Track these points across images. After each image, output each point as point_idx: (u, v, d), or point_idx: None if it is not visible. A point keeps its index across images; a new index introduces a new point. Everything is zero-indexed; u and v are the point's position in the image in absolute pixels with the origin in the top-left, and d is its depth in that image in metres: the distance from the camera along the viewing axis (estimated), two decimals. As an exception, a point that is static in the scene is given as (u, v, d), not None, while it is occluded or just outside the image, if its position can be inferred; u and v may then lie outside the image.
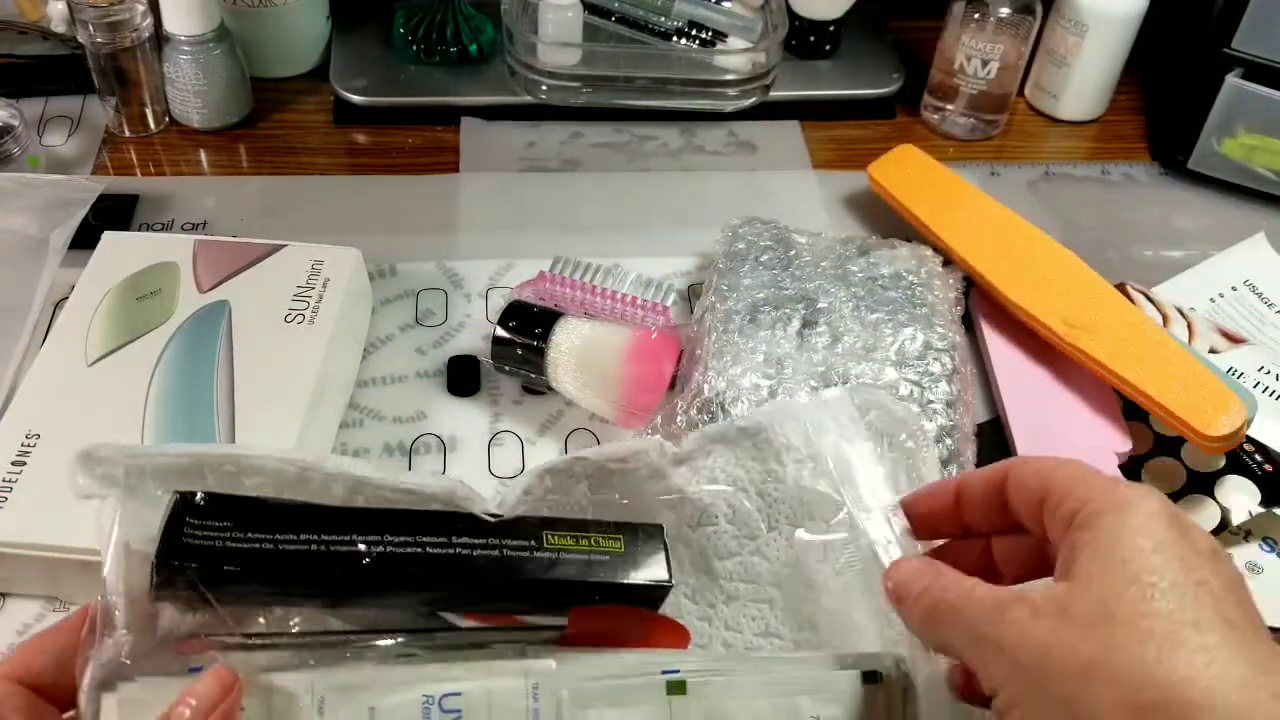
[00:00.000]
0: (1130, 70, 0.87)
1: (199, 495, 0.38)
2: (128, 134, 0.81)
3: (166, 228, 0.75)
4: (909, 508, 0.44)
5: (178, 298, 0.63)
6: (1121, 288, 0.70)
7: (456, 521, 0.40)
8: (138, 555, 0.36)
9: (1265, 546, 0.60)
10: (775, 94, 0.84)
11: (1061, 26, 0.84)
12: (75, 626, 0.36)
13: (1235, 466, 0.62)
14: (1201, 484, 0.61)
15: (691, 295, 0.72)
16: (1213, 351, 0.67)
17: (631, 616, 0.41)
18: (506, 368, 0.65)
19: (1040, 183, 0.84)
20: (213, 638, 0.37)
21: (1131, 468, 0.63)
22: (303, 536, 0.38)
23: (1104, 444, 0.63)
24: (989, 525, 0.42)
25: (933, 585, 0.38)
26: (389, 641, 0.39)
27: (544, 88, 0.82)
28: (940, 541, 0.44)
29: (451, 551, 0.39)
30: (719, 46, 0.83)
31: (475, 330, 0.70)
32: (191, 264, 0.65)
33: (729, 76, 0.82)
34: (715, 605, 0.46)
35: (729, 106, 0.83)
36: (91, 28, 0.76)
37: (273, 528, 0.38)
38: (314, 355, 0.61)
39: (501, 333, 0.64)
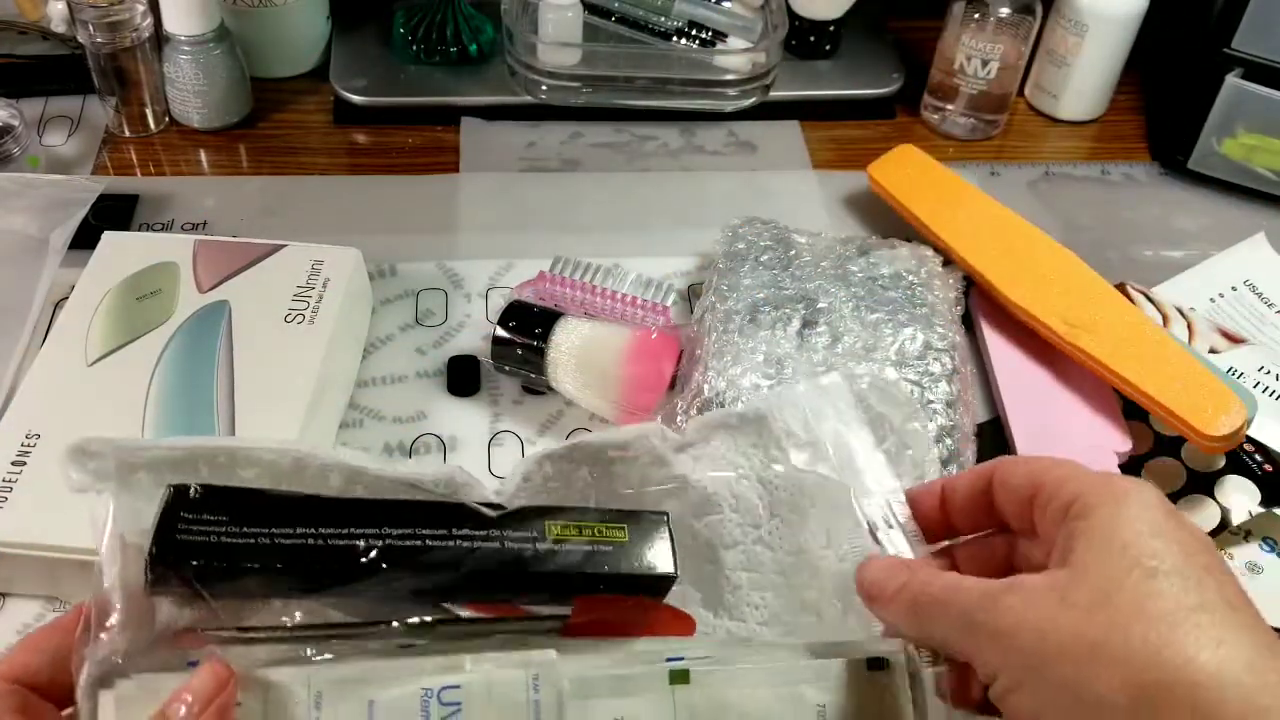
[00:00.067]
0: (1130, 70, 0.87)
1: (194, 488, 0.37)
2: (128, 134, 0.81)
3: (166, 228, 0.75)
4: None
5: (178, 298, 0.63)
6: (1121, 288, 0.70)
7: (457, 513, 0.40)
8: (133, 549, 0.36)
9: (1265, 546, 0.60)
10: (775, 94, 0.84)
11: (1061, 26, 0.84)
12: (71, 624, 0.36)
13: (1235, 466, 0.62)
14: (1201, 484, 0.61)
15: (691, 295, 0.72)
16: (1213, 351, 0.67)
17: (636, 606, 0.41)
18: (506, 368, 0.65)
19: (1040, 183, 0.84)
20: (210, 632, 0.37)
21: (1132, 468, 0.63)
22: (299, 530, 0.37)
23: (1104, 444, 0.63)
24: (973, 525, 0.42)
25: (911, 581, 0.38)
26: (389, 634, 0.38)
27: (544, 88, 0.82)
28: (943, 544, 0.44)
29: (452, 544, 0.39)
30: (719, 46, 0.83)
31: (475, 330, 0.70)
32: (191, 264, 0.65)
33: (729, 76, 0.82)
34: (720, 594, 0.45)
35: (729, 106, 0.83)
36: (91, 28, 0.76)
37: (269, 521, 0.37)
38: (314, 355, 0.61)
39: (501, 333, 0.64)
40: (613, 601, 0.40)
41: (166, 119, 0.82)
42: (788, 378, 0.61)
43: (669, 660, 0.39)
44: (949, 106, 0.85)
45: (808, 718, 0.39)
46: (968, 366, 0.66)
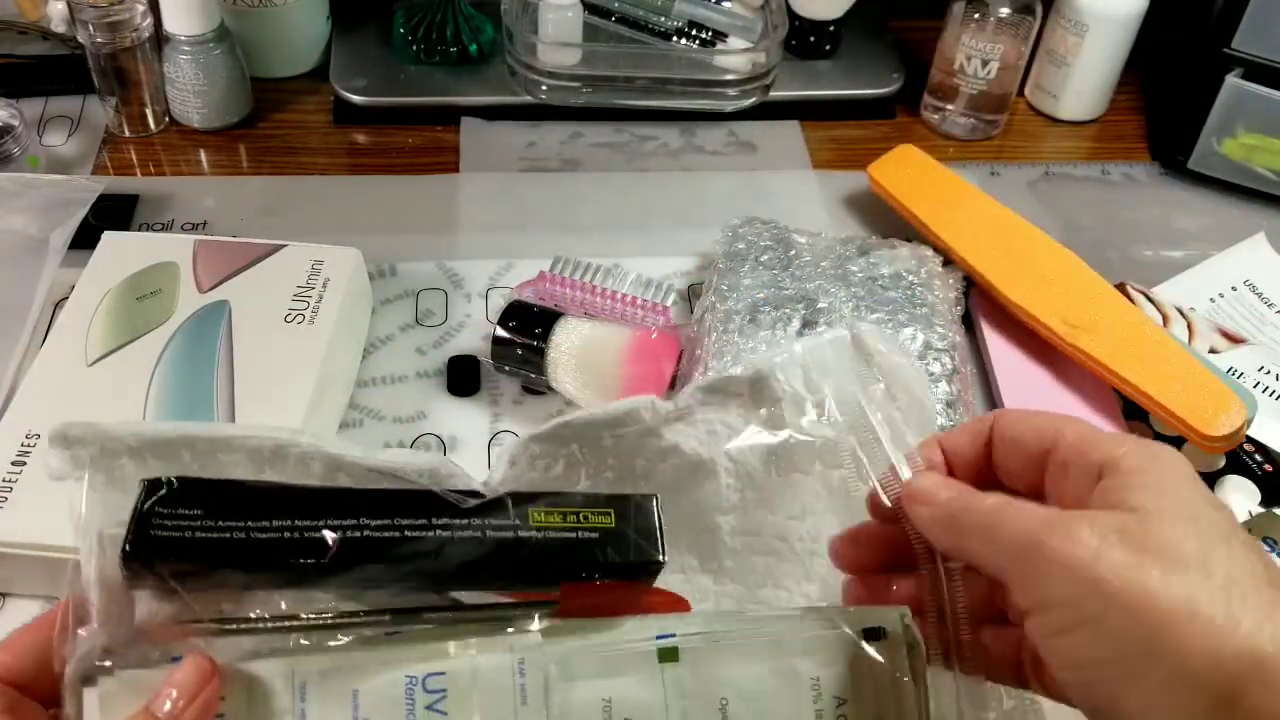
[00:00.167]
0: (1130, 70, 0.87)
1: (169, 481, 0.36)
2: (128, 134, 0.81)
3: (166, 228, 0.75)
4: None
5: (178, 298, 0.63)
6: (1121, 288, 0.70)
7: (437, 502, 0.39)
8: (110, 543, 0.35)
9: (1266, 546, 0.60)
10: (775, 94, 0.84)
11: (1061, 26, 0.84)
12: (55, 621, 0.36)
13: (1235, 466, 0.62)
14: (1201, 484, 0.62)
15: (691, 295, 0.72)
16: (1213, 351, 0.67)
17: (625, 589, 0.40)
18: (506, 368, 0.65)
19: (1040, 183, 0.84)
20: (192, 624, 0.36)
21: (1131, 468, 0.63)
22: (275, 523, 0.36)
23: (1104, 444, 0.63)
24: (973, 483, 0.40)
25: (962, 493, 0.37)
26: (372, 623, 0.37)
27: (544, 88, 0.82)
28: None
29: (432, 534, 0.38)
30: (719, 46, 0.83)
31: (475, 330, 0.70)
32: (191, 264, 0.65)
33: (729, 76, 0.82)
34: (720, 559, 0.44)
35: (729, 106, 0.83)
36: (91, 28, 0.76)
37: (245, 514, 0.36)
38: (314, 355, 0.61)
39: (501, 333, 0.64)
40: (600, 587, 0.39)
41: (166, 119, 0.82)
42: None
43: (659, 638, 0.38)
44: (949, 106, 0.85)
45: (801, 691, 0.38)
46: (968, 366, 0.66)
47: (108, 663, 0.34)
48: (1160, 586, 0.31)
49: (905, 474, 0.40)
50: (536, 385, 0.65)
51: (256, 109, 0.84)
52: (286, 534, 0.37)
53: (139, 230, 0.74)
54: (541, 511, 0.39)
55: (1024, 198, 0.82)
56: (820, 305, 0.65)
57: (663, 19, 0.84)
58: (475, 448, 0.63)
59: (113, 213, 0.75)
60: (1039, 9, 0.81)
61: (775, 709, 0.38)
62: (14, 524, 0.53)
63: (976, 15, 0.80)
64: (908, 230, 0.74)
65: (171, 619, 0.36)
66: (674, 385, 0.64)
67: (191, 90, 0.80)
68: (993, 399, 0.67)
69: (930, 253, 0.71)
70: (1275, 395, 0.65)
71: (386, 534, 0.37)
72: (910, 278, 0.68)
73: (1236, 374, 0.66)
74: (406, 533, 0.38)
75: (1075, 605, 0.32)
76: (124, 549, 0.35)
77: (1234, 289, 0.75)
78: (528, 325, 0.64)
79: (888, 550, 0.41)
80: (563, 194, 0.80)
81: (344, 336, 0.64)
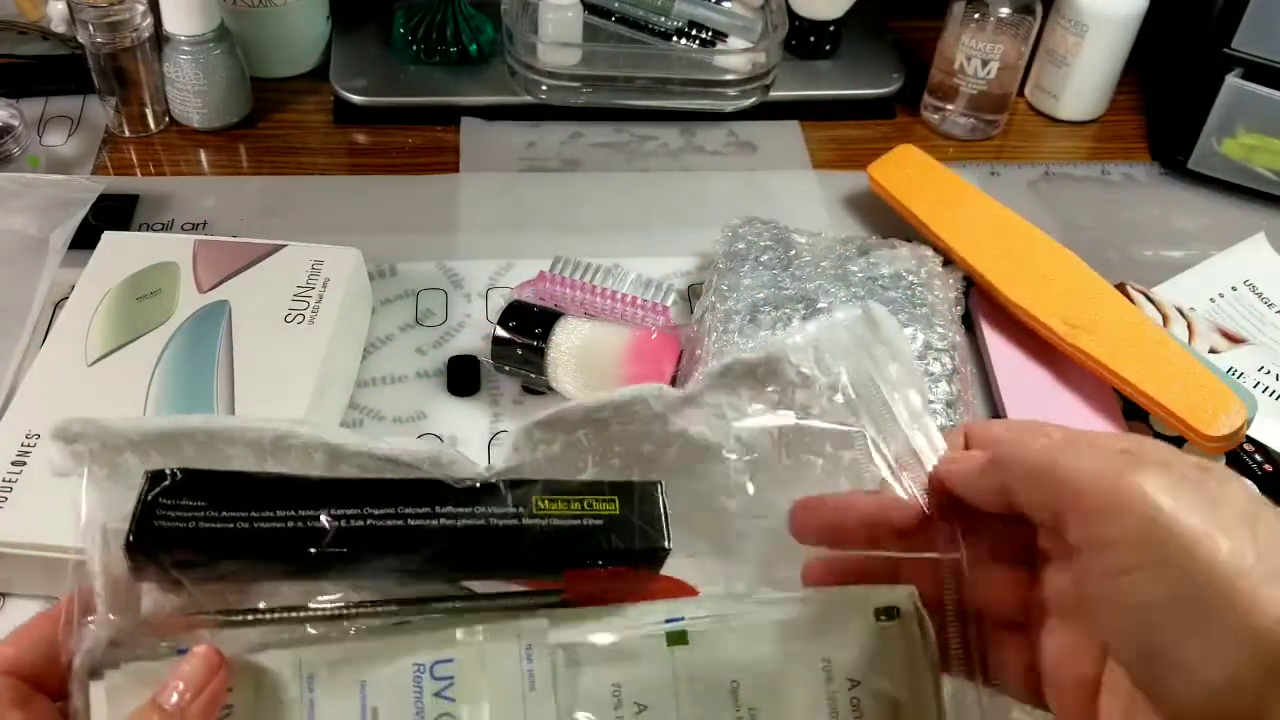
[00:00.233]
0: (1130, 70, 0.87)
1: (172, 472, 0.36)
2: (128, 134, 0.81)
3: (166, 228, 0.75)
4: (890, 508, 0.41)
5: (178, 298, 0.63)
6: (1121, 288, 0.70)
7: (440, 490, 0.39)
8: (115, 536, 0.35)
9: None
10: (775, 94, 0.84)
11: (1061, 26, 0.84)
12: (61, 615, 0.36)
13: (1235, 466, 0.62)
14: (1201, 484, 0.61)
15: (691, 295, 0.72)
16: (1213, 351, 0.67)
17: (631, 576, 0.39)
18: (506, 368, 0.65)
19: (1040, 183, 0.84)
20: (198, 616, 0.36)
21: (1131, 468, 0.63)
22: (280, 513, 0.36)
23: (1104, 444, 0.63)
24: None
25: (1023, 431, 0.36)
26: (379, 613, 0.37)
27: (544, 88, 0.82)
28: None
29: (435, 523, 0.37)
30: (719, 46, 0.83)
31: (475, 330, 0.70)
32: (191, 264, 0.65)
33: (729, 76, 0.82)
34: (729, 543, 0.44)
35: (729, 106, 0.83)
36: (91, 28, 0.76)
37: (249, 504, 0.36)
38: (314, 355, 0.61)
39: (501, 333, 0.64)
40: (605, 574, 0.39)
41: (166, 119, 0.82)
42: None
43: (668, 621, 0.38)
44: (949, 106, 0.85)
45: (813, 673, 0.38)
46: (968, 366, 0.66)
47: (114, 656, 0.34)
48: (1231, 540, 0.30)
49: (925, 449, 0.39)
50: (536, 385, 0.65)
51: (256, 109, 0.84)
52: (290, 523, 0.36)
53: (139, 230, 0.74)
54: (546, 499, 0.39)
55: (1024, 198, 0.82)
56: (820, 305, 0.65)
57: (663, 19, 0.84)
58: (475, 448, 0.63)
59: (113, 213, 0.75)
60: (1039, 9, 0.81)
61: (787, 691, 0.38)
62: (14, 524, 0.53)
63: (976, 15, 0.80)
64: (908, 230, 0.74)
65: (178, 611, 0.36)
66: (674, 385, 0.64)
67: (191, 90, 0.80)
68: (993, 399, 0.67)
69: (930, 253, 0.71)
70: (1275, 395, 0.65)
71: (390, 523, 0.37)
72: (910, 278, 0.68)
73: (1236, 374, 0.66)
74: (410, 521, 0.37)
75: (1141, 545, 0.31)
76: (128, 539, 0.35)
77: (1234, 289, 0.75)
78: (528, 325, 0.64)
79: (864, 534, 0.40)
80: (563, 194, 0.80)
81: (344, 336, 0.64)
